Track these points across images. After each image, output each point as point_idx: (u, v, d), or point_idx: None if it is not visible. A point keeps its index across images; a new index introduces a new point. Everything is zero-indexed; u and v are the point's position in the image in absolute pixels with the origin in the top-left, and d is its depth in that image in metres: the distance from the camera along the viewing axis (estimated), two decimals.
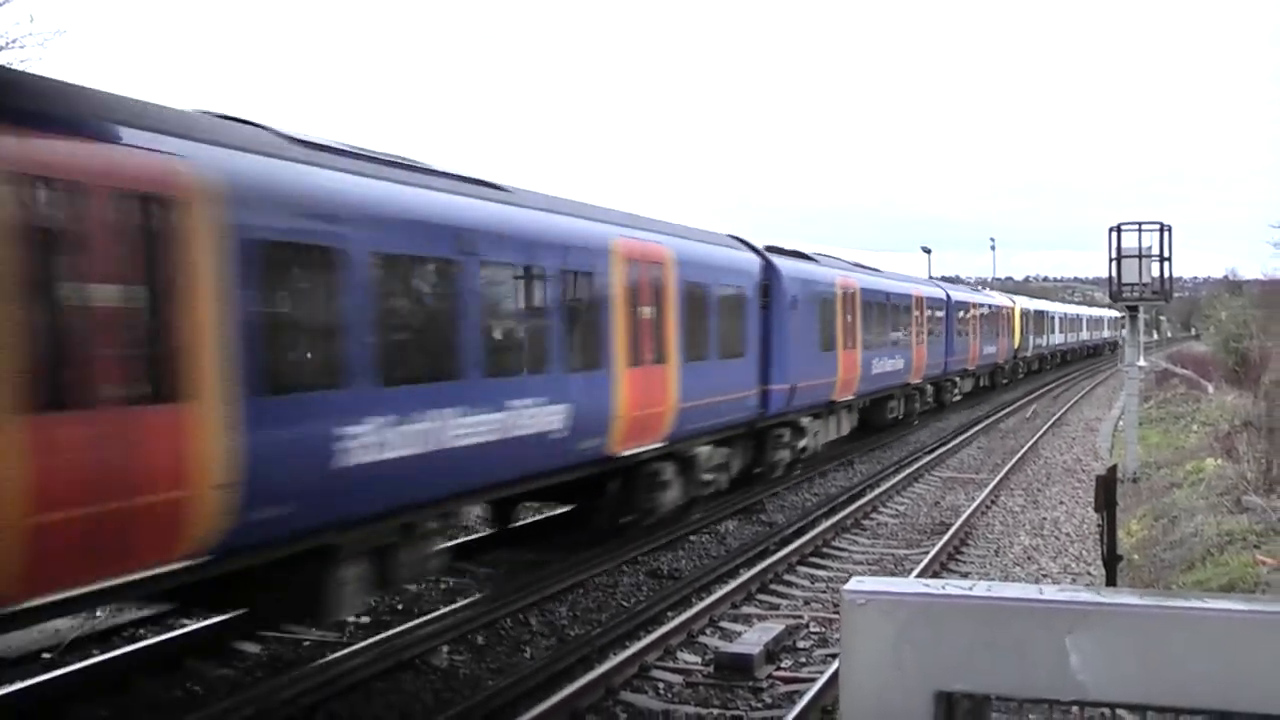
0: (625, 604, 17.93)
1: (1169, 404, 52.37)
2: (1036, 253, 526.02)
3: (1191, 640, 3.07)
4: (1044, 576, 20.25)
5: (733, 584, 18.56)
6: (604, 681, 13.75)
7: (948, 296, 49.81)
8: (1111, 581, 14.58)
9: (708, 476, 23.59)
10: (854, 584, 3.61)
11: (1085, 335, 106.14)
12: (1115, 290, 32.18)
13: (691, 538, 22.95)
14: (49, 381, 9.24)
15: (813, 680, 13.76)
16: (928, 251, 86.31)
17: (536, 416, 16.40)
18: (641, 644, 15.08)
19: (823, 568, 20.76)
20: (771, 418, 26.83)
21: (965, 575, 20.33)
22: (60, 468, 9.20)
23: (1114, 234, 31.72)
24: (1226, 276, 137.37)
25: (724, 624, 16.93)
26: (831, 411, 32.12)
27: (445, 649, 15.32)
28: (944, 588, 3.51)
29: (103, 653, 14.45)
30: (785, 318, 27.33)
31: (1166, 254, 31.76)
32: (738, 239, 26.94)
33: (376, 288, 13.18)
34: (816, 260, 31.95)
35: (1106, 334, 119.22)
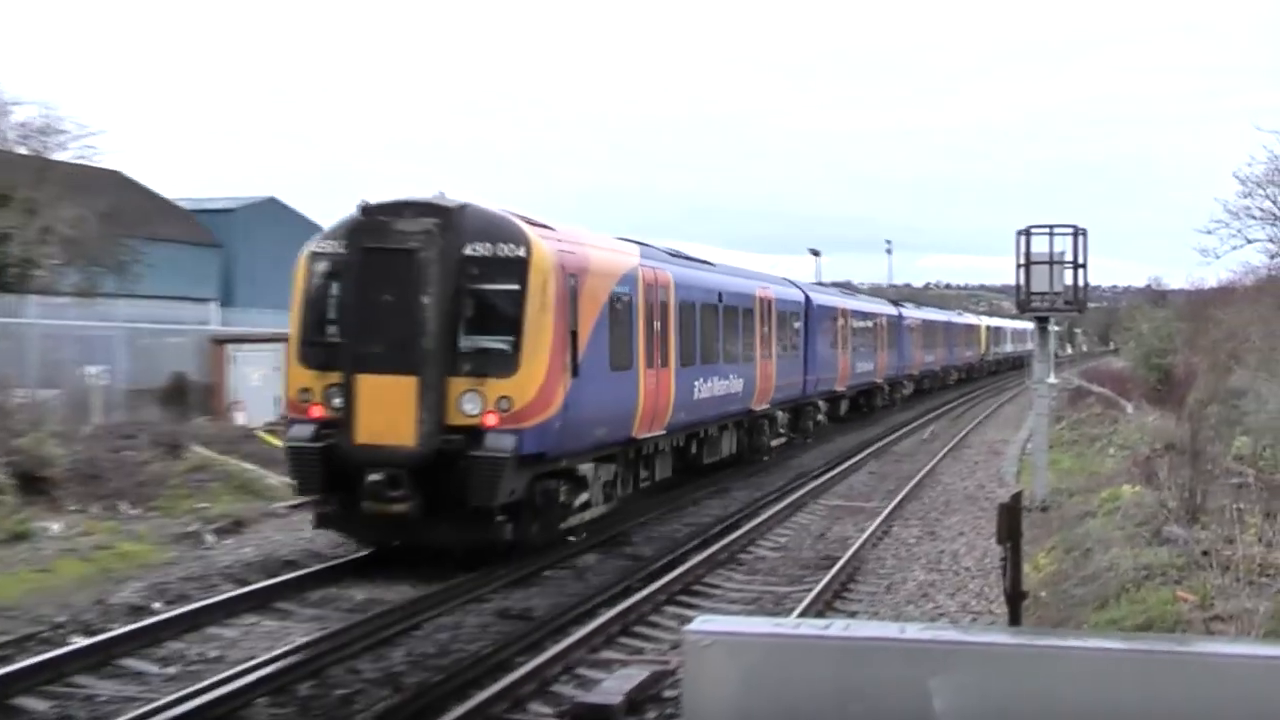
0: (470, 648, 17.81)
1: (1083, 425, 53.12)
2: (939, 257, 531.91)
3: (1065, 679, 3.09)
4: (941, 615, 20.45)
5: (592, 625, 18.50)
6: None
7: (949, 321, 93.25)
8: (1015, 620, 14.67)
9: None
10: (698, 623, 3.60)
11: (1028, 346, 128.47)
12: (1024, 299, 32.50)
13: (547, 572, 22.91)
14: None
15: None
16: (816, 254, 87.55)
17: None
18: (488, 694, 14.99)
19: (694, 607, 20.70)
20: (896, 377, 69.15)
21: (853, 615, 20.46)
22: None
23: (1023, 238, 32.05)
24: (1149, 286, 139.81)
25: (581, 671, 16.88)
26: (903, 378, 72.19)
27: (264, 702, 15.13)
28: (797, 627, 3.51)
29: None
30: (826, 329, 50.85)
31: (1081, 260, 32.12)
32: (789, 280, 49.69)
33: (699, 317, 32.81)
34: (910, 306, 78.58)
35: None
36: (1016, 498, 14.66)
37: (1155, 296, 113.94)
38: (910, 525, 29.20)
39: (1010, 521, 13.59)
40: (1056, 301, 32.35)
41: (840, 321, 53.11)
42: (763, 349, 39.26)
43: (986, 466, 41.74)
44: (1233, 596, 17.10)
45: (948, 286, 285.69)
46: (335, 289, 23.28)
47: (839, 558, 24.07)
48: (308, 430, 22.41)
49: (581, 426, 24.46)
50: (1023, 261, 32.08)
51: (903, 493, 33.35)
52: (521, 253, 22.71)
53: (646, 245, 31.07)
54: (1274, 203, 44.30)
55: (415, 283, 22.01)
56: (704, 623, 3.51)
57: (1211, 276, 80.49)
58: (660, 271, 29.82)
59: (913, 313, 76.99)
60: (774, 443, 41.86)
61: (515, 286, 22.71)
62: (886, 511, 29.90)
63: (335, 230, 23.60)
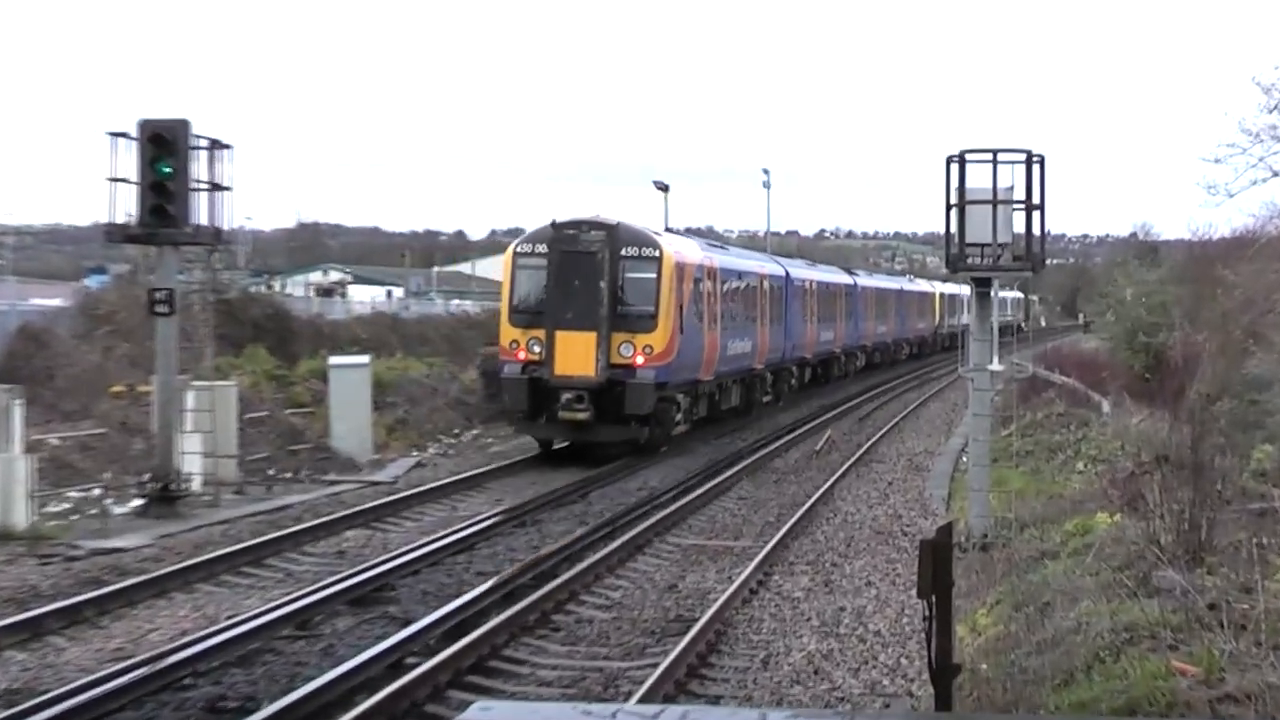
0: None
1: (1040, 429, 53.66)
2: (834, 193, 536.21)
3: None
4: (839, 699, 20.49)
5: (346, 719, 18.40)
6: None
7: (901, 289, 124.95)
8: (944, 704, 14.65)
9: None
10: (476, 711, 3.50)
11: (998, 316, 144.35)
12: (955, 254, 32.04)
13: (278, 645, 22.68)
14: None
15: None
16: (664, 189, 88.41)
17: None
18: None
19: (491, 691, 20.68)
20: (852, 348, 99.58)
21: (717, 700, 20.48)
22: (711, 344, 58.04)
23: (955, 166, 31.88)
24: (1134, 235, 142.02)
25: None
26: (856, 349, 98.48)
27: None
28: (614, 715, 3.41)
29: None
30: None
31: (1037, 199, 31.97)
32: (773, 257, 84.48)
33: (730, 292, 62.79)
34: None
35: (1009, 315, 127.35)
36: (946, 532, 14.69)
37: (1143, 250, 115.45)
38: (797, 572, 29.42)
39: (937, 566, 13.60)
40: (1002, 256, 31.99)
41: (808, 293, 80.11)
42: (761, 318, 66.52)
43: (905, 488, 42.11)
44: (1250, 667, 17.14)
45: (850, 235, 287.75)
46: (532, 275, 48.80)
47: (697, 618, 24.11)
48: (517, 368, 47.56)
49: (683, 368, 51.24)
50: (955, 201, 31.88)
51: (786, 526, 33.49)
52: (656, 254, 49.08)
53: (698, 238, 64.85)
54: None
55: (594, 273, 47.36)
56: (483, 710, 3.40)
57: (1222, 222, 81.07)
58: (713, 259, 58.79)
59: (865, 281, 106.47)
60: (764, 399, 68.95)
61: (653, 275, 48.81)
62: (764, 553, 30.02)
63: (534, 236, 50.17)
